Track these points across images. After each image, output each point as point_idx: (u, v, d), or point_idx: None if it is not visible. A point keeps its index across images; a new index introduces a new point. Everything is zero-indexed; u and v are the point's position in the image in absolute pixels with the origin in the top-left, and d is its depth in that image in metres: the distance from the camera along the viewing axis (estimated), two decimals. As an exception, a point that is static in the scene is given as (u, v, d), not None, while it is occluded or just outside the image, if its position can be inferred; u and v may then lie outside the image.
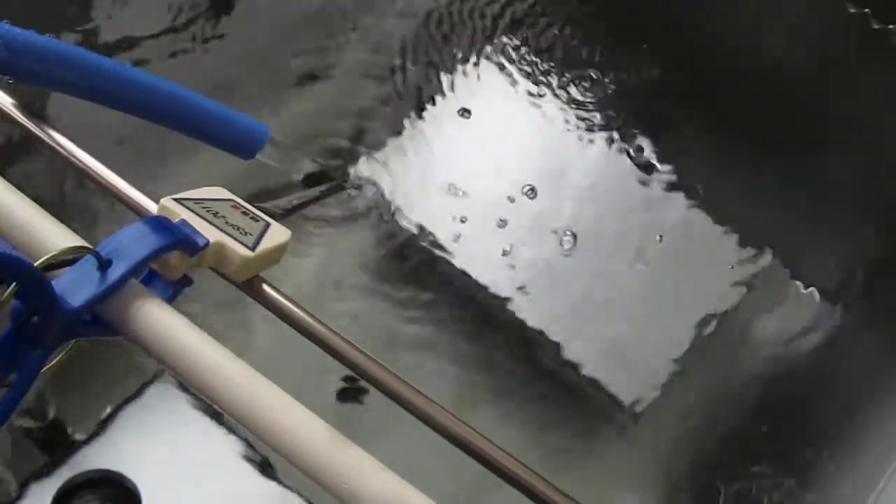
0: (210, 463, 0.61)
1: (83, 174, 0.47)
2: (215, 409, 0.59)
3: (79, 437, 0.61)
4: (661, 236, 0.75)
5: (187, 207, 0.41)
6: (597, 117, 0.80)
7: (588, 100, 0.81)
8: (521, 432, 0.67)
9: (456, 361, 0.69)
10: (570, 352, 0.70)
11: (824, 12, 0.84)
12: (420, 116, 0.79)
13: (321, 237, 0.73)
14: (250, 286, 0.44)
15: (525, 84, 0.81)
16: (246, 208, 0.46)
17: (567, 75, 0.82)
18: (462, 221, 0.74)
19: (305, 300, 0.44)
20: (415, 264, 0.73)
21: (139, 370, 0.64)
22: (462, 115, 0.79)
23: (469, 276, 0.72)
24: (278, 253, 0.46)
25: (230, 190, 0.47)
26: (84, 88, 0.50)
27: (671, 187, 0.78)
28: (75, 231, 0.39)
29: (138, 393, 0.63)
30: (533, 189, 0.76)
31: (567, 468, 0.67)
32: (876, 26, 0.82)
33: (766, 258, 0.75)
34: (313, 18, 0.83)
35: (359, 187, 0.75)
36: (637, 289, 0.73)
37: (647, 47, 0.84)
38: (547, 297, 0.72)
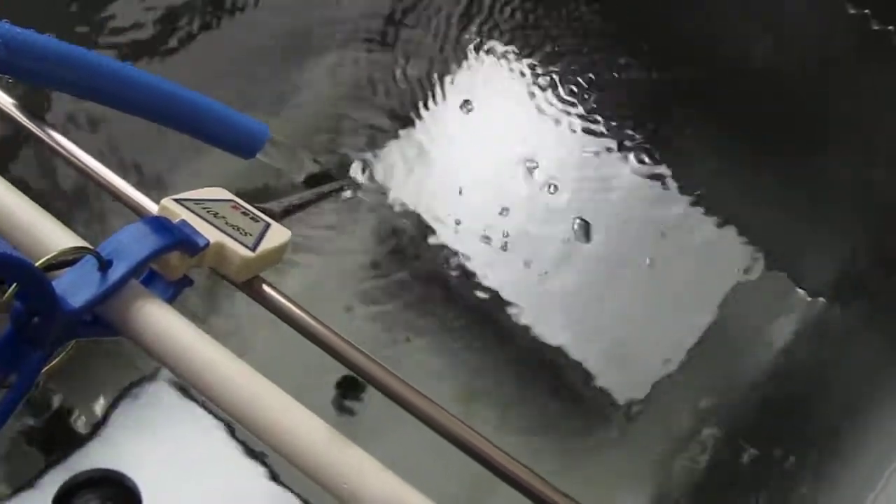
0: (210, 462, 0.62)
1: (83, 174, 0.47)
2: (216, 409, 0.59)
3: (79, 436, 0.61)
4: (661, 236, 0.75)
5: (187, 208, 0.41)
6: (596, 117, 0.80)
7: (587, 100, 0.81)
8: (521, 432, 0.67)
9: (455, 361, 0.69)
10: (570, 352, 0.70)
11: (824, 13, 0.84)
12: (420, 114, 0.79)
13: (322, 237, 0.73)
14: (250, 287, 0.44)
15: (525, 84, 0.81)
16: (246, 209, 0.46)
17: (566, 75, 0.82)
18: (461, 222, 0.74)
19: (305, 300, 0.43)
20: (415, 263, 0.73)
21: (140, 370, 0.64)
22: (463, 110, 0.79)
23: (469, 276, 0.72)
24: (278, 253, 0.45)
25: (230, 190, 0.47)
26: (84, 88, 0.50)
27: (671, 187, 0.78)
28: (75, 231, 0.39)
29: (139, 392, 0.63)
30: (533, 189, 0.76)
31: (567, 468, 0.67)
32: (876, 27, 0.82)
33: (766, 258, 0.75)
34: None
35: (359, 187, 0.75)
36: (637, 289, 0.73)
37: (648, 47, 0.84)
38: (547, 297, 0.72)
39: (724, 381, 0.71)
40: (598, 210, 0.76)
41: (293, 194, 0.69)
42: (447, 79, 0.81)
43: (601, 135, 0.79)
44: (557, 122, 0.80)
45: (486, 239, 0.74)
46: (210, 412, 0.63)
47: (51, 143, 0.48)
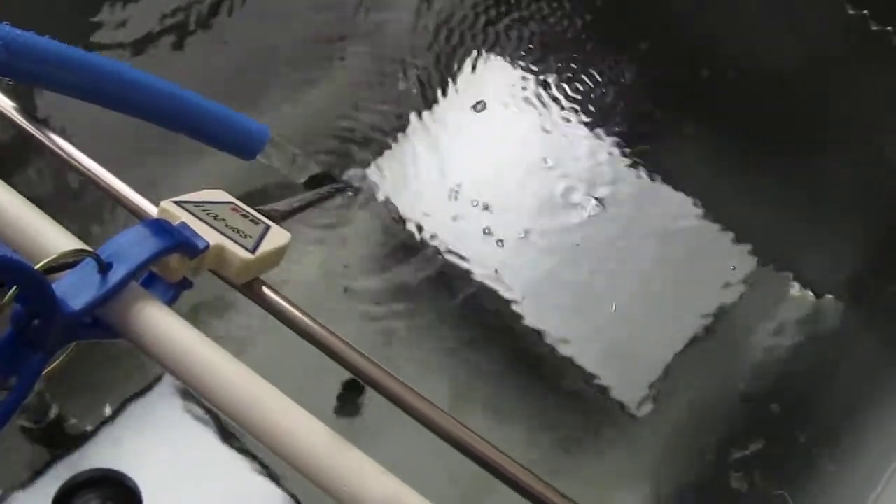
0: (210, 463, 0.62)
1: (83, 177, 0.47)
2: (215, 411, 0.59)
3: (79, 436, 0.61)
4: (661, 236, 0.75)
5: (187, 210, 0.41)
6: (596, 117, 0.80)
7: (587, 100, 0.81)
8: (521, 433, 0.67)
9: (455, 361, 0.69)
10: (570, 351, 0.70)
11: (824, 13, 0.84)
12: (422, 116, 0.79)
13: (322, 239, 0.73)
14: (250, 289, 0.44)
15: (525, 84, 0.81)
16: (246, 211, 0.46)
17: (565, 74, 0.82)
18: (461, 222, 0.74)
19: (306, 302, 0.44)
20: (416, 264, 0.73)
21: (141, 371, 0.64)
22: (466, 112, 0.79)
23: (469, 276, 0.72)
24: (278, 255, 0.46)
25: (230, 192, 0.47)
26: (84, 90, 0.50)
27: (671, 187, 0.78)
28: (75, 234, 0.39)
29: (140, 392, 0.64)
30: (532, 189, 0.76)
31: (566, 468, 0.67)
32: (874, 28, 0.82)
33: (766, 258, 0.75)
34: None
35: (361, 189, 0.75)
36: (637, 289, 0.73)
37: (648, 47, 0.84)
38: (546, 297, 0.72)
39: (724, 381, 0.71)
40: (597, 211, 0.76)
41: (294, 196, 0.69)
42: (450, 80, 0.81)
43: (601, 135, 0.79)
44: (557, 122, 0.80)
45: (487, 239, 0.74)
46: (210, 413, 0.63)
47: (51, 145, 0.48)
